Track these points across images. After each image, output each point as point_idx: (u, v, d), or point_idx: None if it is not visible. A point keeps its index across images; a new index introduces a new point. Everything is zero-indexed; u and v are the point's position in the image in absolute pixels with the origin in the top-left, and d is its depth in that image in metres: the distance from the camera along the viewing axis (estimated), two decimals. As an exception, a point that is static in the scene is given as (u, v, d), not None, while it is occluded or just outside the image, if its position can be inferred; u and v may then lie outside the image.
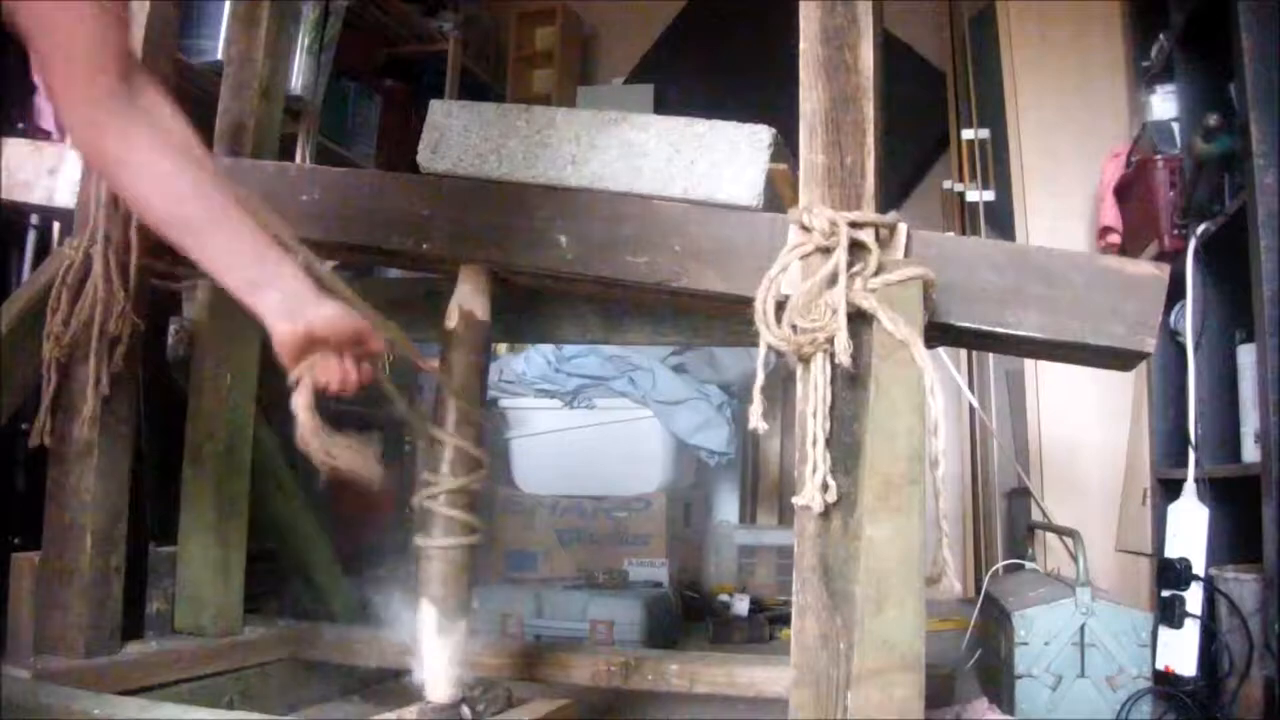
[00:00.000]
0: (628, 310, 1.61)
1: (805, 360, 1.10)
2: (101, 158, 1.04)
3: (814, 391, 1.08)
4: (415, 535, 1.36)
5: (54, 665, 1.44)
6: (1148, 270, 1.21)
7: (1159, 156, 2.16)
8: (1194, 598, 1.82)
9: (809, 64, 1.22)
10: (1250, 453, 1.87)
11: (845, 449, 1.08)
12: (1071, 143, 2.68)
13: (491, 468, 1.42)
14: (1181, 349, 2.05)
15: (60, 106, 1.06)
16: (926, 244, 1.20)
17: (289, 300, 1.05)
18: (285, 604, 2.06)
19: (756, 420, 1.11)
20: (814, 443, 1.07)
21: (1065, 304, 1.19)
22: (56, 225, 2.04)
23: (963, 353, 3.34)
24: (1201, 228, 2.00)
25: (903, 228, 1.17)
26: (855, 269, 1.11)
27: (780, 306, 1.11)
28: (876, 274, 1.11)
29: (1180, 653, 1.80)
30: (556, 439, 3.13)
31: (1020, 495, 2.86)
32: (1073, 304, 1.19)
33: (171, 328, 1.78)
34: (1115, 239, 2.43)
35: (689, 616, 2.93)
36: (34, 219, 2.11)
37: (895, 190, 4.12)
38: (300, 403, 1.09)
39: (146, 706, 1.35)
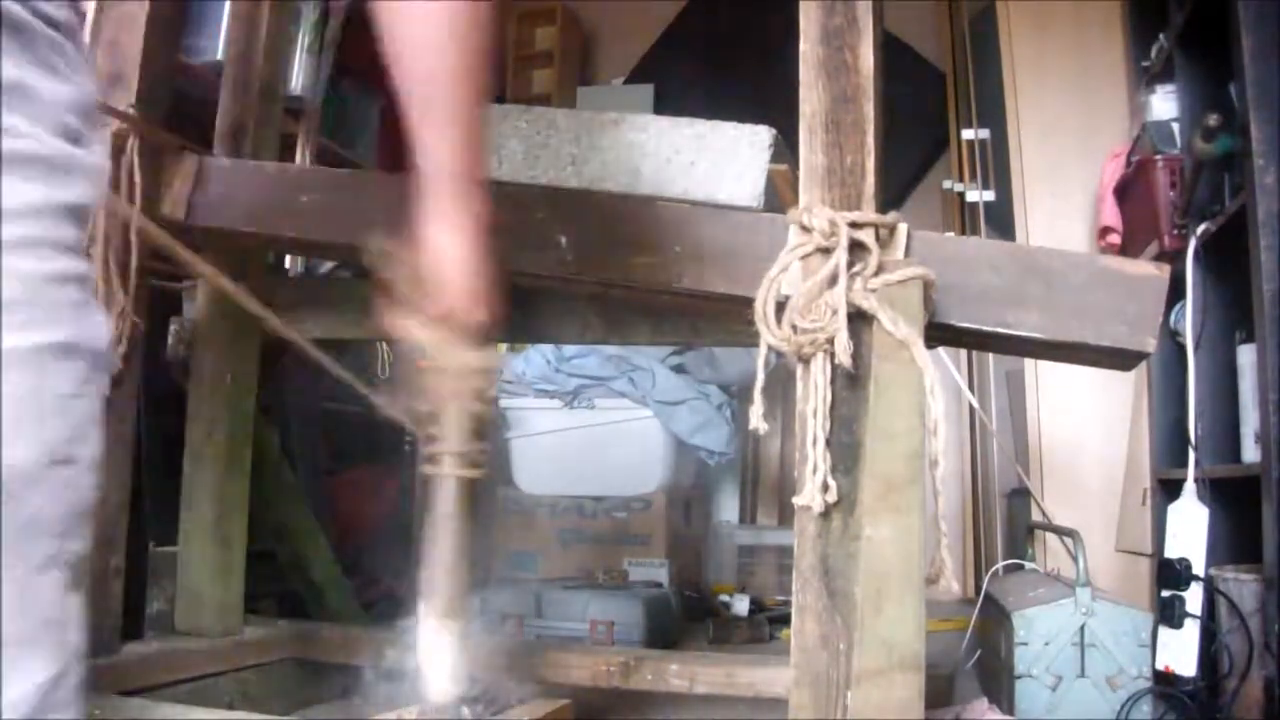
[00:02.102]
0: (628, 310, 1.61)
1: (805, 360, 1.10)
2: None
3: (814, 391, 1.08)
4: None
5: (54, 665, 1.44)
6: (1148, 270, 1.21)
7: (1159, 156, 2.16)
8: (1194, 598, 1.82)
9: (809, 64, 1.22)
10: (1250, 453, 1.87)
11: (845, 449, 1.08)
12: (1071, 143, 2.68)
13: (492, 468, 1.42)
14: (1181, 349, 2.05)
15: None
16: (926, 244, 1.20)
17: (468, 250, 1.03)
18: (285, 604, 2.06)
19: (756, 420, 1.11)
20: (814, 443, 1.07)
21: (1065, 304, 1.19)
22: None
23: (963, 353, 3.34)
24: (1201, 228, 2.00)
25: (903, 228, 1.17)
26: (855, 269, 1.11)
27: (780, 307, 1.11)
28: (876, 274, 1.11)
29: (1180, 653, 1.80)
30: (556, 439, 3.14)
31: (1020, 495, 2.86)
32: (1073, 304, 1.19)
33: (171, 328, 1.78)
34: (1115, 239, 2.43)
35: (689, 616, 2.94)
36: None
37: (895, 190, 4.12)
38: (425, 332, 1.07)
39: (146, 706, 1.35)
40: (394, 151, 3.69)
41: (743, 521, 3.69)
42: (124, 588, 1.57)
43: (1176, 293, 1.89)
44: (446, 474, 1.33)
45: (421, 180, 1.03)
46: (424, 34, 0.95)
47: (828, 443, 1.07)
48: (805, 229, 1.14)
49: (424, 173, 1.02)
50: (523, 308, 1.60)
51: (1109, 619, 1.76)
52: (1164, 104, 2.30)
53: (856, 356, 1.07)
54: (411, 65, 0.98)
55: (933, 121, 4.05)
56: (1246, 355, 1.90)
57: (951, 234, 3.37)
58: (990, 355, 3.24)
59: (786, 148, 1.35)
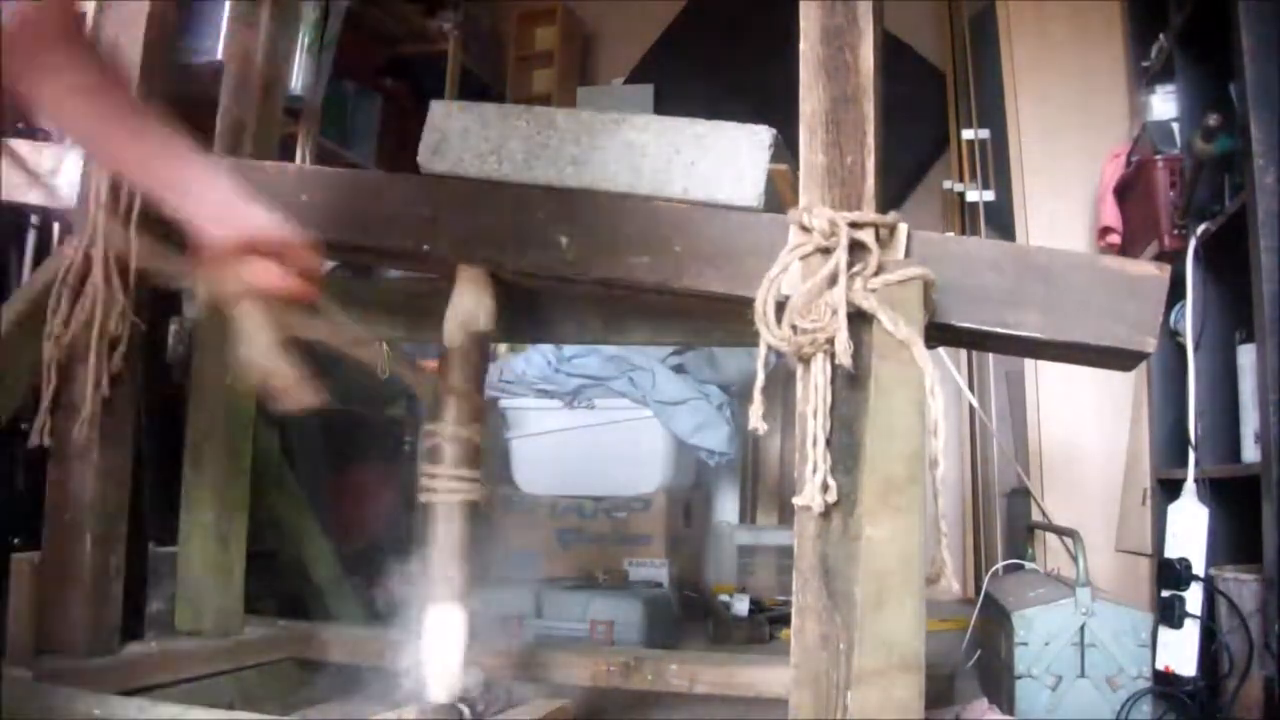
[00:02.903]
0: (628, 310, 1.61)
1: (805, 360, 1.10)
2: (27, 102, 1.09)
3: (814, 391, 1.08)
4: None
5: (54, 665, 1.44)
6: (1148, 270, 1.21)
7: (1159, 156, 2.16)
8: (1194, 598, 1.82)
9: (809, 64, 1.22)
10: (1250, 453, 1.87)
11: (845, 449, 1.08)
12: (1071, 143, 2.68)
13: (491, 468, 1.42)
14: (1181, 349, 2.05)
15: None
16: (926, 244, 1.20)
17: (216, 206, 1.07)
18: (285, 604, 2.06)
19: (756, 420, 1.11)
20: (814, 443, 1.07)
21: (1065, 304, 1.18)
22: (56, 225, 2.04)
23: (963, 353, 3.34)
24: (1201, 228, 2.00)
25: (903, 228, 1.17)
26: (855, 269, 1.11)
27: (780, 307, 1.11)
28: (877, 274, 1.11)
29: (1180, 653, 1.80)
30: (556, 439, 3.14)
31: (1020, 495, 2.86)
32: (1073, 304, 1.18)
33: (171, 328, 1.78)
34: (1115, 239, 2.43)
35: (689, 616, 2.93)
36: (34, 219, 2.10)
37: (895, 190, 4.12)
38: (247, 312, 1.07)
39: (146, 706, 1.35)
40: (394, 151, 3.71)
41: (743, 521, 3.68)
42: (124, 588, 1.57)
43: (1176, 293, 1.89)
44: (441, 500, 1.34)
45: (167, 207, 1.10)
46: (68, 126, 1.13)
47: (828, 443, 1.07)
48: (805, 229, 1.14)
49: (161, 203, 1.10)
50: (523, 308, 1.60)
51: (1109, 619, 1.76)
52: (1164, 104, 2.30)
53: (856, 356, 1.07)
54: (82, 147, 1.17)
55: (933, 121, 4.05)
56: (1246, 355, 1.90)
57: (951, 234, 3.37)
58: (990, 355, 3.24)
59: (786, 148, 1.35)
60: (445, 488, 1.35)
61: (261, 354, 1.06)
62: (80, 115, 1.09)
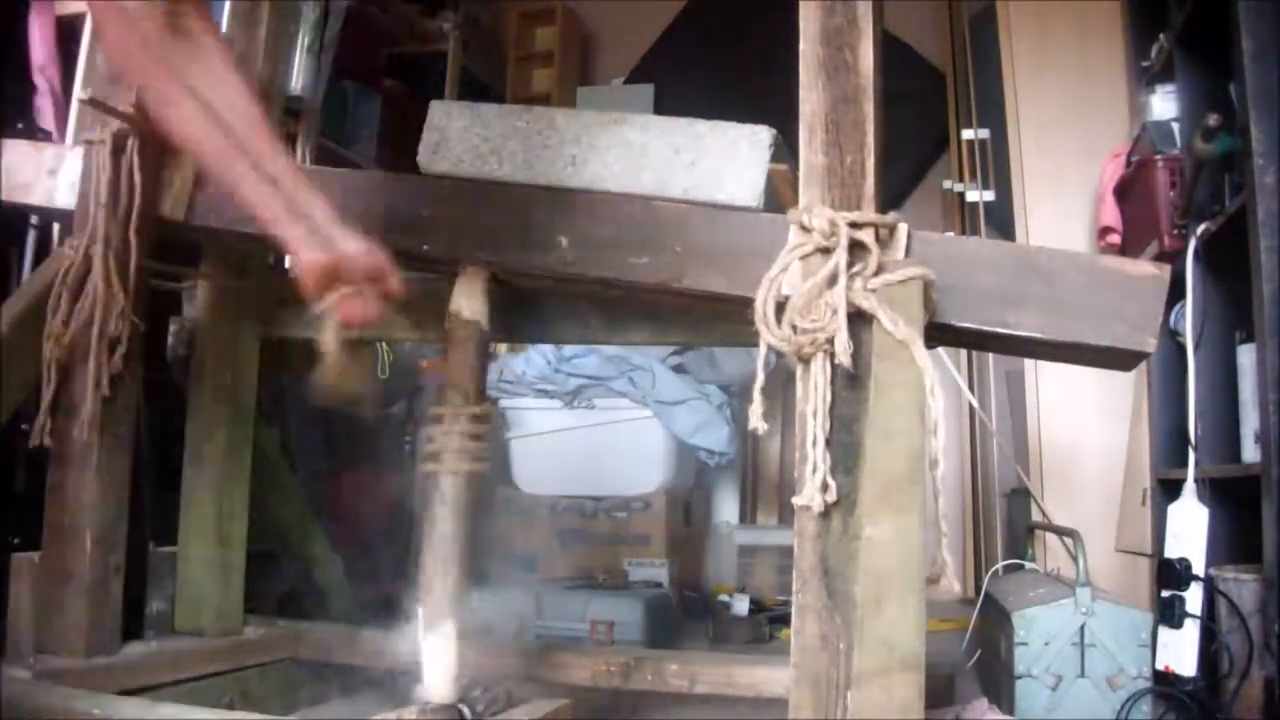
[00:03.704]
0: (628, 310, 1.61)
1: (805, 360, 1.10)
2: (148, 98, 1.16)
3: (814, 391, 1.08)
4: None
5: (54, 665, 1.44)
6: (1148, 270, 1.21)
7: (1159, 156, 2.16)
8: (1194, 598, 1.82)
9: (809, 64, 1.22)
10: (1250, 453, 1.87)
11: (845, 449, 1.08)
12: (1071, 143, 2.68)
13: (491, 468, 1.42)
14: (1181, 349, 2.05)
15: (115, 57, 1.19)
16: (926, 244, 1.20)
17: (318, 232, 1.12)
18: (285, 604, 2.06)
19: (756, 420, 1.11)
20: (814, 443, 1.07)
21: (1065, 304, 1.19)
22: (56, 225, 2.04)
23: (963, 353, 3.34)
24: (1201, 228, 2.00)
25: (903, 228, 1.17)
26: (855, 269, 1.11)
27: (780, 307, 1.11)
28: (876, 274, 1.11)
29: (1180, 653, 1.80)
30: (556, 439, 3.14)
31: (1020, 495, 2.86)
32: (1073, 304, 1.19)
33: (171, 328, 1.78)
34: (1115, 239, 2.43)
35: (689, 616, 2.94)
36: (34, 219, 2.11)
37: (895, 190, 4.12)
38: (327, 330, 1.16)
39: (146, 706, 1.35)
40: (394, 151, 3.71)
41: (743, 521, 3.68)
42: (124, 588, 1.57)
43: (1176, 293, 1.89)
44: (446, 470, 1.34)
45: (268, 223, 1.15)
46: (186, 130, 1.12)
47: (828, 443, 1.07)
48: (805, 229, 1.14)
49: (263, 218, 1.15)
50: (523, 308, 1.60)
51: (1109, 619, 1.76)
52: (1164, 104, 2.30)
53: (856, 356, 1.07)
54: (194, 151, 1.20)
55: (933, 121, 4.05)
56: (1246, 355, 1.90)
57: (951, 234, 3.37)
58: (990, 355, 3.24)
59: (786, 148, 1.35)
60: (450, 459, 1.35)
61: (341, 369, 1.18)
62: (199, 117, 1.10)
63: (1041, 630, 1.76)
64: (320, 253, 1.12)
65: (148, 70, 1.10)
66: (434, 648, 1.33)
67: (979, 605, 2.28)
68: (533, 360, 3.14)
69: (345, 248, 1.13)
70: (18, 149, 1.69)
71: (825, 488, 1.05)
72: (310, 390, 1.23)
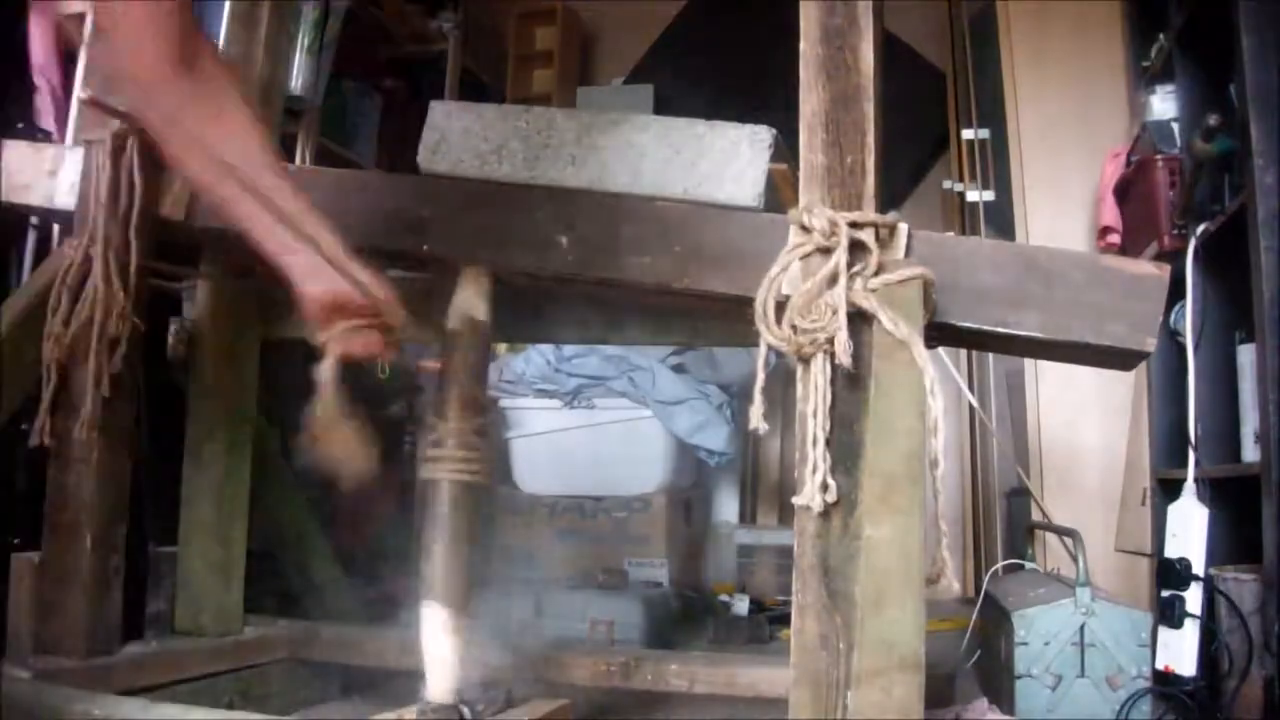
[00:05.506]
0: (628, 310, 1.61)
1: (805, 360, 1.10)
2: (152, 128, 1.15)
3: (814, 391, 1.08)
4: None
5: (54, 665, 1.44)
6: (1148, 270, 1.21)
7: (1159, 156, 2.16)
8: (1194, 598, 1.82)
9: (809, 64, 1.22)
10: (1250, 453, 1.87)
11: (845, 449, 1.08)
12: (1071, 143, 2.68)
13: (491, 468, 1.42)
14: (1181, 349, 2.05)
15: (125, 86, 1.19)
16: (926, 244, 1.20)
17: (321, 265, 1.11)
18: (285, 604, 2.06)
19: (756, 420, 1.11)
20: (814, 443, 1.07)
21: (1065, 304, 1.19)
22: (56, 226, 2.04)
23: (963, 353, 3.34)
24: (1201, 228, 2.00)
25: (903, 228, 1.17)
26: (855, 269, 1.11)
27: (780, 307, 1.11)
28: (877, 274, 1.11)
29: (1180, 653, 1.80)
30: (556, 439, 3.13)
31: (1020, 495, 2.86)
32: (1073, 304, 1.19)
33: (171, 328, 1.78)
34: (1115, 239, 2.43)
35: (689, 616, 2.93)
36: (34, 219, 2.11)
37: (895, 190, 4.12)
38: (326, 369, 1.13)
39: (146, 706, 1.35)
40: (394, 151, 3.71)
41: (743, 521, 3.68)
42: (124, 588, 1.57)
43: (1176, 293, 1.89)
44: (444, 478, 1.34)
45: (270, 254, 1.15)
46: (187, 161, 1.14)
47: (828, 443, 1.07)
48: (805, 229, 1.14)
49: (266, 249, 1.15)
50: (523, 308, 1.60)
51: (1109, 619, 1.76)
52: (1164, 104, 2.30)
53: (856, 356, 1.07)
54: (195, 181, 1.21)
55: (933, 121, 4.05)
56: (1246, 355, 1.90)
57: (951, 234, 3.37)
58: (990, 355, 3.24)
59: (786, 148, 1.35)
60: (448, 468, 1.35)
61: (331, 417, 1.15)
62: (202, 150, 1.10)
63: (1041, 630, 1.76)
64: (324, 286, 1.11)
65: (150, 102, 1.09)
66: (434, 648, 1.33)
67: (979, 605, 2.28)
68: (533, 360, 3.14)
69: (352, 279, 1.12)
70: (18, 149, 1.69)
71: (825, 488, 1.05)
72: (298, 449, 1.20)
